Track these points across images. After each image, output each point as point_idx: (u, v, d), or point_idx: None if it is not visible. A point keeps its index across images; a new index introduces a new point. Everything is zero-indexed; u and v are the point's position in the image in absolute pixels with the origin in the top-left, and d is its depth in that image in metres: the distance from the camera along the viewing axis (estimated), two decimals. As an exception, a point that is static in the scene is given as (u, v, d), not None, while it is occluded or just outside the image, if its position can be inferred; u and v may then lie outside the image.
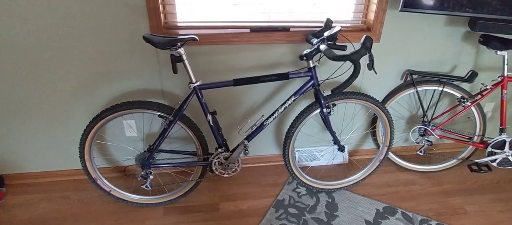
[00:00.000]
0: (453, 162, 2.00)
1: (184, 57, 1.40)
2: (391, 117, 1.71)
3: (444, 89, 1.82)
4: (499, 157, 1.79)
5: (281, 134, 2.03)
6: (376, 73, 1.30)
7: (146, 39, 1.32)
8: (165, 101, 1.77)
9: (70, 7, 1.44)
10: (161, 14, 1.55)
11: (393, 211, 1.75)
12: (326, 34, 1.43)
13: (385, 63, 1.85)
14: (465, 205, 1.81)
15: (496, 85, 1.71)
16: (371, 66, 1.29)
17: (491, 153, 1.81)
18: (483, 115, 1.84)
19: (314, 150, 2.09)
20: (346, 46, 1.48)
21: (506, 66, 1.67)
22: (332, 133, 1.69)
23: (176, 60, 1.40)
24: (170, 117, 1.50)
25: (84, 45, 1.54)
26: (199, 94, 1.48)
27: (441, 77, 1.80)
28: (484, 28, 1.52)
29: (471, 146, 1.94)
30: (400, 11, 1.53)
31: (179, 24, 1.66)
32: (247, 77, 1.49)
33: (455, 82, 1.81)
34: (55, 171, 1.92)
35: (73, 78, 1.62)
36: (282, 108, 1.58)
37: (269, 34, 1.66)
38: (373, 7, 1.69)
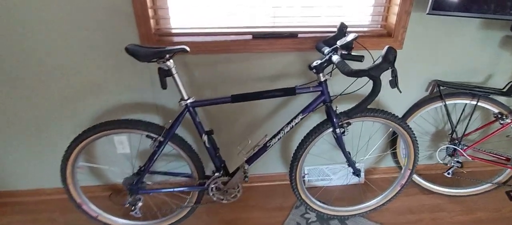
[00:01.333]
0: (487, 186, 1.74)
1: (174, 70, 1.21)
2: (415, 137, 1.47)
3: (479, 103, 1.56)
4: (544, 183, 1.53)
5: (288, 149, 1.82)
6: (400, 91, 1.09)
7: (129, 51, 1.14)
8: (159, 116, 1.60)
9: (54, 17, 1.28)
10: (152, 20, 1.38)
11: (416, 244, 1.52)
12: (339, 42, 1.21)
13: (408, 73, 1.61)
14: (502, 239, 1.56)
15: (542, 99, 1.45)
16: (394, 83, 1.07)
17: (534, 179, 1.55)
18: (525, 134, 1.58)
19: (326, 169, 1.87)
20: (363, 57, 1.25)
21: (555, 78, 1.41)
22: (346, 155, 1.47)
23: (165, 74, 1.22)
24: (160, 138, 1.32)
25: (69, 57, 1.39)
26: (192, 112, 1.30)
27: (475, 89, 1.54)
28: (532, 34, 1.27)
29: (510, 170, 1.67)
30: (427, 14, 1.30)
31: (173, 31, 1.48)
32: (247, 93, 1.29)
33: (491, 96, 1.55)
34: (43, 189, 1.78)
35: (58, 92, 1.47)
36: (288, 128, 1.37)
37: (274, 41, 1.46)
38: (395, 9, 1.46)
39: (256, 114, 1.66)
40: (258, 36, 1.46)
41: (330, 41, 1.39)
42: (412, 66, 1.59)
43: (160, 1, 1.42)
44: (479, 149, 1.67)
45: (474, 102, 1.56)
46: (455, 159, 1.65)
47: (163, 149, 1.33)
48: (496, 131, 1.55)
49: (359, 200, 1.72)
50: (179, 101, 1.27)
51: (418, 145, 1.49)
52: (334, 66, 1.19)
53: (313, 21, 1.52)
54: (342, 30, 1.37)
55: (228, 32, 1.48)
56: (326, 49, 1.29)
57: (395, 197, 1.64)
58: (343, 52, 1.26)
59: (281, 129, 1.38)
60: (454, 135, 1.66)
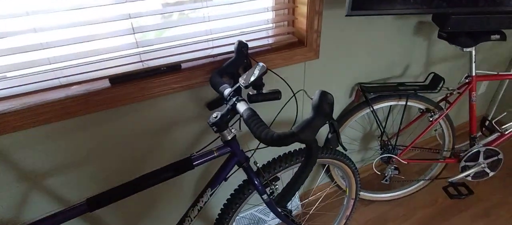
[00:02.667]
0: (421, 183, 1.64)
1: None
2: (355, 166, 1.20)
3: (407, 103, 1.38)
4: (474, 170, 1.46)
5: (207, 207, 1.38)
6: (345, 149, 0.77)
7: None
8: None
9: None
10: None
11: None
12: (242, 80, 0.79)
13: (330, 84, 1.33)
14: (449, 236, 1.47)
15: (464, 88, 1.34)
16: (336, 141, 0.71)
17: (465, 168, 1.47)
18: (452, 126, 1.48)
19: (256, 212, 1.50)
20: (279, 93, 0.87)
21: (474, 64, 1.29)
22: (280, 215, 1.10)
23: None
24: None
25: None
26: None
27: (399, 88, 1.35)
28: (459, 25, 1.08)
29: (440, 164, 1.59)
30: (347, 16, 0.98)
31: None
32: (113, 190, 0.78)
33: (419, 93, 1.38)
34: None
35: None
36: (196, 212, 0.92)
37: (148, 82, 0.96)
38: (303, 9, 1.11)
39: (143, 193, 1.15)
40: (119, 80, 0.94)
41: (228, 69, 0.97)
42: (332, 75, 1.31)
43: None
44: (413, 147, 1.52)
45: (402, 103, 1.38)
46: (392, 166, 1.47)
47: None
48: (427, 128, 1.40)
49: (303, 244, 1.42)
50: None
51: (358, 174, 1.23)
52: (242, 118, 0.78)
53: (198, 41, 1.06)
54: (242, 51, 0.96)
55: (70, 82, 0.91)
56: (227, 90, 0.86)
57: (341, 231, 1.39)
58: (250, 93, 0.85)
59: (186, 215, 0.93)
60: (386, 141, 1.48)
